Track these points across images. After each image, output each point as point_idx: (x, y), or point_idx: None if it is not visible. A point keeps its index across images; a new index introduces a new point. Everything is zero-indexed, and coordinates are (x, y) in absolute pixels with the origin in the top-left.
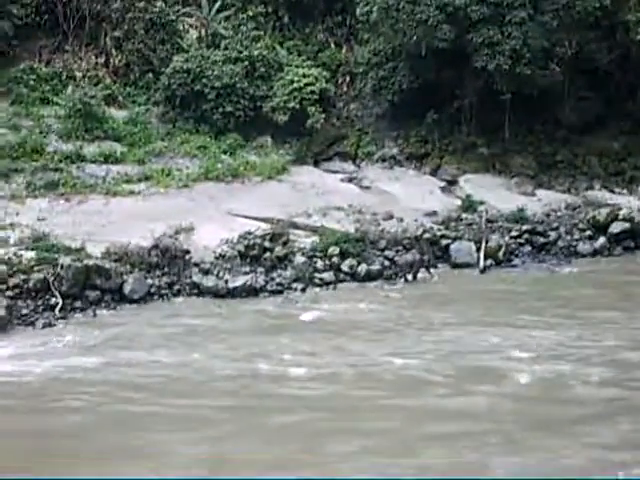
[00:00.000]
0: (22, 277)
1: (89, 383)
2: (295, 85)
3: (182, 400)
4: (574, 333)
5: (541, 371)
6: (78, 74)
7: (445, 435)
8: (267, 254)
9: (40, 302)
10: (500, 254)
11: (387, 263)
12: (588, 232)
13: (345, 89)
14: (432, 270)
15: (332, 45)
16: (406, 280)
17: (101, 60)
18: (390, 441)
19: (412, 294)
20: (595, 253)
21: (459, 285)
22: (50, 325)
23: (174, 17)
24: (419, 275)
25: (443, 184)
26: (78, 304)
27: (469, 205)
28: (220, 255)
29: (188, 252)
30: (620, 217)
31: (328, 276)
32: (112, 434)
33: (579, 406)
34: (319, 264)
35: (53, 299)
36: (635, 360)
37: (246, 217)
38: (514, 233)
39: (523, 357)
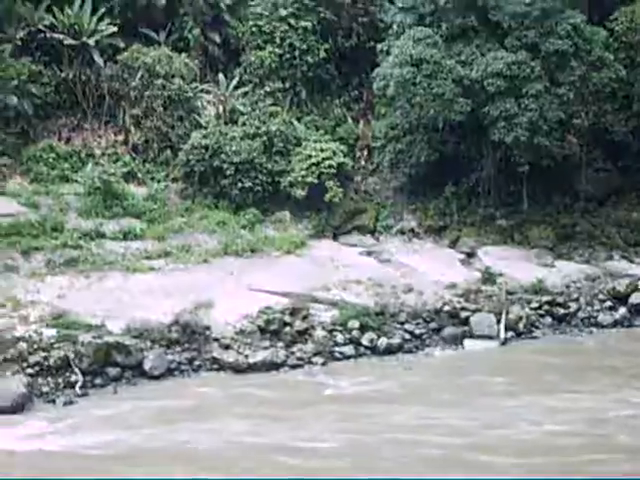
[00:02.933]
0: (42, 354)
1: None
2: (313, 160)
3: None
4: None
5: None
6: (97, 151)
7: None
8: (287, 328)
9: (60, 379)
10: (520, 325)
11: (407, 336)
12: (608, 303)
13: (363, 163)
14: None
15: (349, 119)
16: (447, 348)
17: (120, 137)
18: None
19: (434, 366)
20: (616, 324)
21: (484, 357)
22: (71, 402)
23: (192, 94)
24: (435, 351)
25: (462, 256)
26: (98, 381)
27: (488, 277)
28: (240, 330)
29: (208, 328)
30: None
31: (348, 350)
32: None
33: None
34: (339, 338)
35: (73, 376)
36: None
37: (266, 292)
38: (534, 304)
39: None
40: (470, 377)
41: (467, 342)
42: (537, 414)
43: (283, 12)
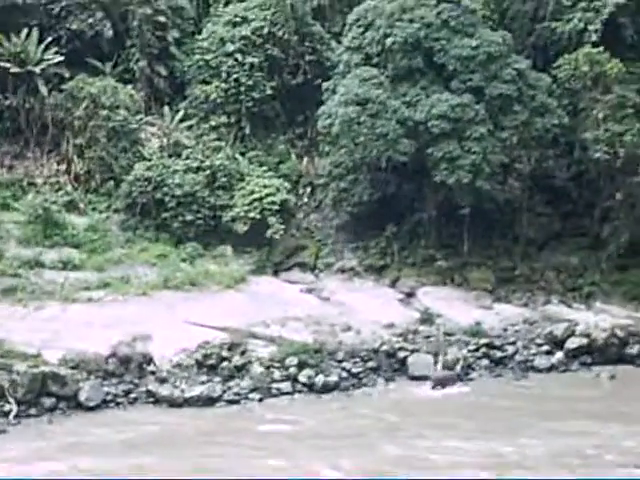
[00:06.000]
0: None
1: None
2: (256, 195)
3: None
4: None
5: None
6: (39, 180)
7: None
8: (225, 363)
9: None
10: (458, 367)
11: (345, 375)
12: (545, 347)
13: (306, 200)
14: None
15: (293, 156)
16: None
17: (62, 167)
18: None
19: (371, 405)
20: (552, 368)
21: (418, 397)
22: (4, 432)
23: (136, 126)
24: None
25: (402, 296)
26: (33, 411)
27: (427, 318)
28: (177, 364)
29: (150, 360)
30: (577, 332)
31: (285, 386)
32: None
33: None
34: (277, 374)
35: (7, 405)
36: None
37: (204, 326)
38: (472, 347)
39: None
40: (405, 418)
41: (403, 382)
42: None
43: (230, 47)
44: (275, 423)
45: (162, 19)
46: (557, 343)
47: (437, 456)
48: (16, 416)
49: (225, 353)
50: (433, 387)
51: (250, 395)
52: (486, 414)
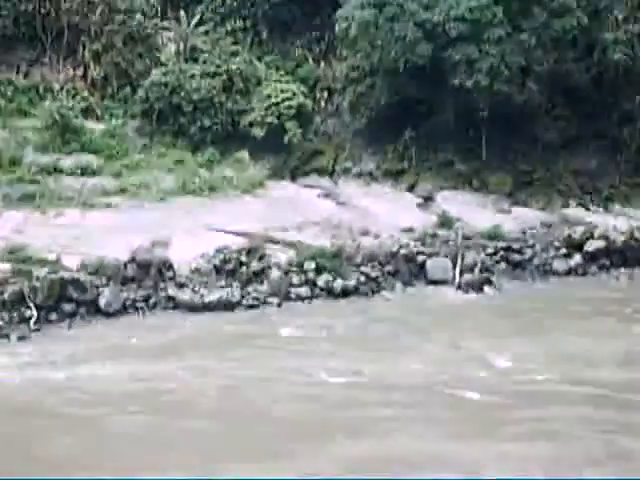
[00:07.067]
0: None
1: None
2: (273, 100)
3: None
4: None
5: None
6: (56, 86)
7: None
8: (243, 268)
9: (15, 314)
10: (476, 271)
11: (363, 279)
12: (563, 250)
13: (323, 105)
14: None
15: (310, 60)
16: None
17: (79, 72)
18: None
19: (394, 308)
20: (570, 271)
21: (441, 300)
22: (24, 338)
23: (152, 31)
24: (386, 292)
25: (420, 200)
26: (53, 316)
27: (445, 221)
28: (196, 269)
29: (169, 265)
30: (596, 235)
31: (304, 291)
32: None
33: None
34: (295, 279)
35: (28, 311)
36: None
37: (222, 231)
38: (490, 250)
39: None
40: (434, 320)
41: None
42: None
43: None
44: (301, 328)
45: None
46: (575, 246)
47: (493, 353)
48: (36, 322)
49: (244, 258)
50: (459, 289)
51: (269, 300)
52: (517, 316)
